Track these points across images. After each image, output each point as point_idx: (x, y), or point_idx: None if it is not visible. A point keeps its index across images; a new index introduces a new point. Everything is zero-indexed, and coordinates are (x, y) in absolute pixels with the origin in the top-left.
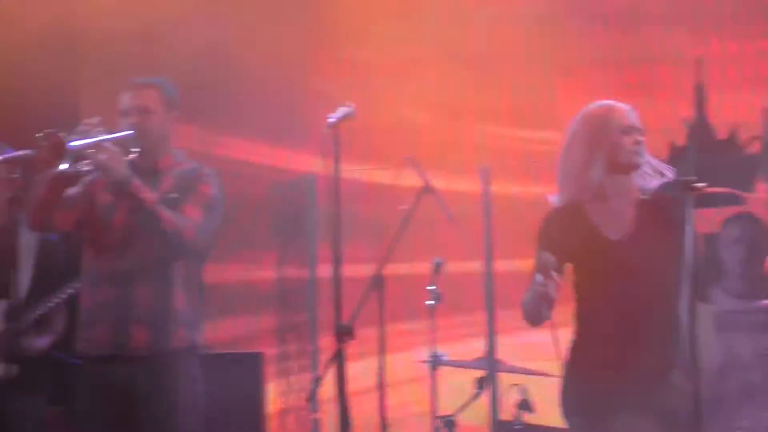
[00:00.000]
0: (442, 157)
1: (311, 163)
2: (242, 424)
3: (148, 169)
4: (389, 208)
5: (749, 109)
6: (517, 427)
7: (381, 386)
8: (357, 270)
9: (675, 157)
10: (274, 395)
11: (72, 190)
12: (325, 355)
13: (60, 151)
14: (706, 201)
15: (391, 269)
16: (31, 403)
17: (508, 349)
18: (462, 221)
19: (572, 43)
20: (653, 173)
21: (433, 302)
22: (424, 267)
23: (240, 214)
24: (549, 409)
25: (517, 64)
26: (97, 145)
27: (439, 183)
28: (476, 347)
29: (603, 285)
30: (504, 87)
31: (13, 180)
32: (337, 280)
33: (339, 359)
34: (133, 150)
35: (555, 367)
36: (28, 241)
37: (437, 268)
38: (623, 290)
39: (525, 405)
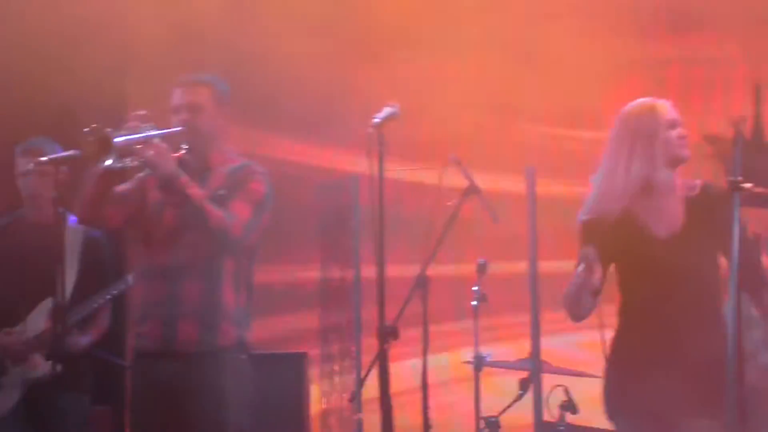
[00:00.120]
0: (487, 156)
1: (355, 163)
2: (286, 423)
3: (199, 166)
4: (433, 209)
5: None
6: (560, 428)
7: (424, 387)
8: (401, 270)
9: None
10: (317, 395)
11: (124, 186)
12: (368, 356)
13: (106, 146)
14: (753, 201)
15: (435, 269)
16: (75, 402)
17: (551, 350)
18: (506, 221)
19: (618, 44)
20: None
21: (476, 303)
22: (468, 267)
23: (284, 214)
24: (592, 410)
25: (562, 63)
26: (144, 141)
27: (483, 183)
28: (520, 348)
29: (649, 283)
30: (549, 87)
31: (59, 178)
32: (380, 281)
33: (382, 360)
34: (182, 147)
35: (599, 368)
36: (73, 240)
37: (481, 268)
38: (670, 289)
39: (569, 406)
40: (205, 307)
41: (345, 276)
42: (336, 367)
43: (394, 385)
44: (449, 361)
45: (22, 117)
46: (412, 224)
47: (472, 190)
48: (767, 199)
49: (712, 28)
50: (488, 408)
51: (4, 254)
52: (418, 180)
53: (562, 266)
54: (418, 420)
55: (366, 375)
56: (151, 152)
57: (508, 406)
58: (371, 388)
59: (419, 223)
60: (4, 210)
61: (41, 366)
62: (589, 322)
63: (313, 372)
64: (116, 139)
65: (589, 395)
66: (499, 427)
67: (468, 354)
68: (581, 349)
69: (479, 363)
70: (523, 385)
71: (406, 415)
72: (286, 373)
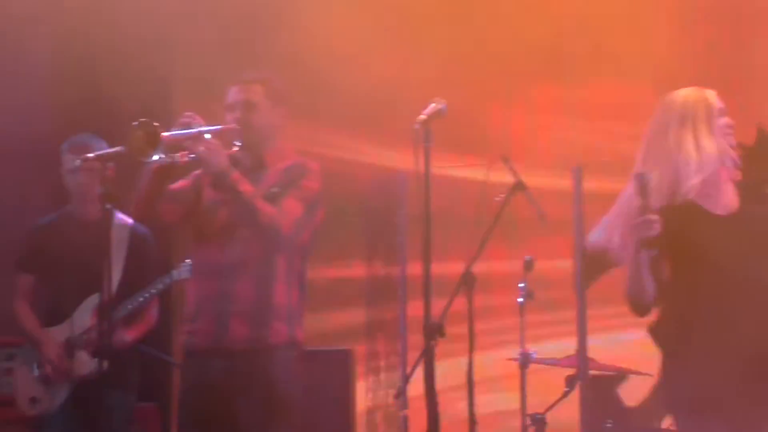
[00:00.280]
0: (534, 153)
1: (402, 160)
2: (331, 420)
3: (254, 164)
4: (480, 205)
5: None
6: (607, 425)
7: (470, 384)
8: (447, 267)
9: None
10: (363, 392)
11: (179, 183)
12: (414, 353)
13: (154, 141)
14: None
15: (481, 266)
16: (122, 399)
17: (598, 347)
18: (553, 218)
19: (663, 38)
20: None
21: (523, 300)
22: (514, 264)
23: (331, 210)
24: None
25: (609, 60)
26: (195, 137)
27: (530, 180)
28: (566, 345)
29: (709, 264)
30: (597, 83)
31: (106, 175)
32: (426, 277)
33: (428, 356)
34: (235, 144)
35: (644, 365)
36: (119, 236)
37: (528, 265)
38: (730, 271)
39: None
40: (257, 305)
41: (391, 273)
42: (382, 364)
43: (440, 382)
44: (495, 358)
45: (67, 115)
46: (458, 221)
47: (518, 187)
48: None
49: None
50: (534, 405)
51: (51, 251)
52: (464, 177)
53: None
54: (464, 417)
55: (412, 372)
56: (202, 148)
57: (555, 404)
58: (417, 385)
59: (465, 219)
60: (50, 207)
61: (88, 363)
62: (638, 320)
63: (359, 369)
64: (164, 134)
65: (636, 392)
66: (545, 424)
67: (514, 351)
68: (627, 347)
69: (525, 360)
70: (570, 382)
71: (452, 412)
72: (332, 370)
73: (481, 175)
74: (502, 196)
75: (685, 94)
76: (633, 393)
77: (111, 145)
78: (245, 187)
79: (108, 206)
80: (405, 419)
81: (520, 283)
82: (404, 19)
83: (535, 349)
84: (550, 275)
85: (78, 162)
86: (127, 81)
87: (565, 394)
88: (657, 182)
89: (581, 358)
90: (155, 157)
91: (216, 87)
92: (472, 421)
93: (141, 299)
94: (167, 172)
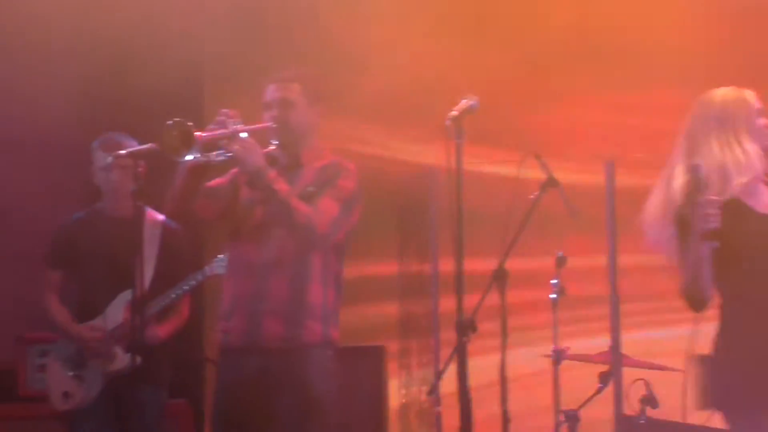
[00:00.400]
0: (566, 149)
1: (434, 157)
2: (365, 417)
3: (290, 162)
4: (512, 202)
5: None
6: (641, 422)
7: (503, 380)
8: (479, 263)
9: None
10: (396, 389)
11: (216, 181)
12: (446, 349)
13: (188, 140)
14: None
15: (514, 263)
16: (154, 394)
17: (631, 343)
18: (585, 214)
19: (697, 34)
20: None
21: (555, 296)
22: (546, 260)
23: (363, 207)
24: (673, 404)
25: (641, 56)
26: (230, 136)
27: (562, 176)
28: (599, 341)
29: (755, 261)
30: (628, 79)
31: (138, 172)
32: (458, 274)
33: (461, 353)
34: (272, 142)
35: (679, 362)
36: (151, 232)
37: (560, 261)
38: None
39: (649, 400)
40: (291, 303)
41: (423, 269)
42: (414, 361)
43: (473, 379)
44: (528, 355)
45: (97, 112)
46: (490, 217)
47: (550, 184)
48: None
49: None
50: (567, 402)
51: (81, 247)
52: (496, 173)
53: (641, 260)
54: (497, 413)
55: (444, 368)
56: (237, 147)
57: (588, 400)
58: (450, 381)
59: (497, 216)
60: (81, 204)
61: (121, 359)
62: (670, 316)
63: (392, 365)
64: (198, 133)
65: (670, 389)
66: (578, 420)
67: (547, 347)
68: (661, 343)
69: (558, 356)
70: (603, 378)
71: (485, 408)
72: (364, 367)
73: (513, 171)
74: (536, 193)
75: (725, 93)
76: (667, 389)
77: (141, 142)
78: (281, 186)
79: (140, 203)
80: (438, 416)
81: (553, 279)
82: (436, 16)
83: (568, 345)
84: (584, 271)
85: (110, 159)
86: (157, 76)
87: (599, 391)
88: (706, 177)
89: (614, 354)
90: (189, 157)
91: (246, 81)
92: (505, 417)
93: (173, 295)
94: (202, 170)
